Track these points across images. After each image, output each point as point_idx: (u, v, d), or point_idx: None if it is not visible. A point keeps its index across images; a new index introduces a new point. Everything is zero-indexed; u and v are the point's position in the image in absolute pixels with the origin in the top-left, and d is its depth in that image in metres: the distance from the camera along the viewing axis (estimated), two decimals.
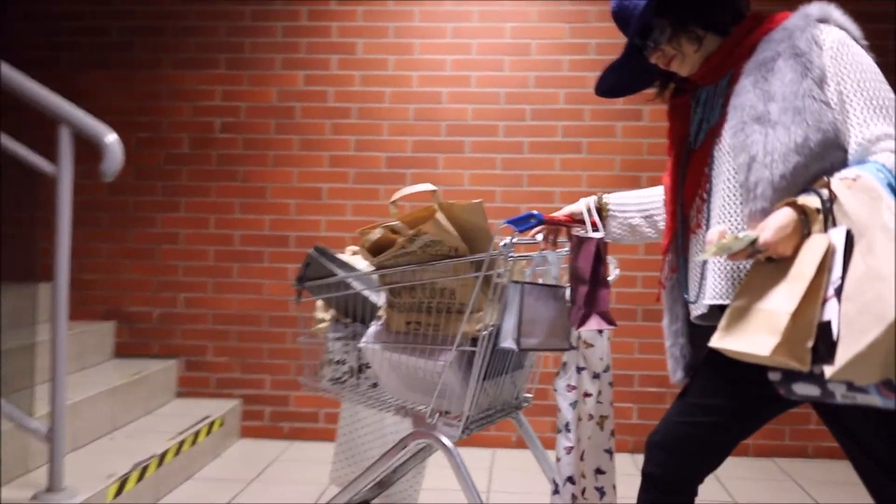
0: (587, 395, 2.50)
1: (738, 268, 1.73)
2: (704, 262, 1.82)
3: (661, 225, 2.16)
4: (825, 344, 1.48)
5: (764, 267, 1.65)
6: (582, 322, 2.20)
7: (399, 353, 2.34)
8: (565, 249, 2.43)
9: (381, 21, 4.14)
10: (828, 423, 1.72)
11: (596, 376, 2.52)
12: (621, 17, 1.84)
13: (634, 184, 4.08)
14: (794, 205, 1.59)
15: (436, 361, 2.28)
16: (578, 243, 2.25)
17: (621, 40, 4.04)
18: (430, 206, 2.19)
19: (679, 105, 1.96)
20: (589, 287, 2.19)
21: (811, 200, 1.57)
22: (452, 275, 2.23)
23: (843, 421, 1.66)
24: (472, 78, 4.13)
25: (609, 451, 2.57)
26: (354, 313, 2.54)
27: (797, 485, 3.63)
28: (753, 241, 1.57)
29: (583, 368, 2.50)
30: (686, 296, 1.88)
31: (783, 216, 1.58)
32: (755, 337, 1.55)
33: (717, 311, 1.83)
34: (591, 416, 2.51)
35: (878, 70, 1.67)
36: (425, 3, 4.13)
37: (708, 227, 1.81)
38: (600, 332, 2.40)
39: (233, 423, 4.06)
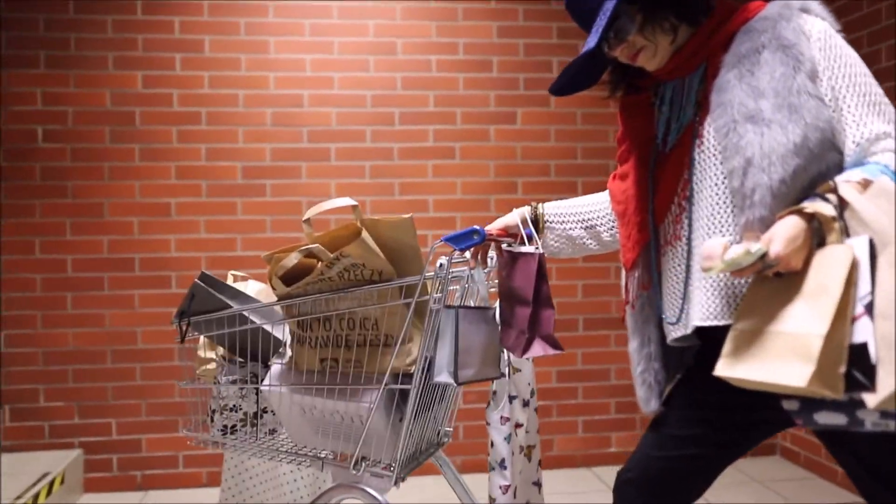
0: (518, 425, 2.27)
1: (733, 284, 1.55)
2: (686, 278, 1.63)
3: (606, 237, 1.96)
4: (861, 369, 1.32)
5: (768, 282, 1.47)
6: (525, 348, 1.97)
7: (312, 395, 2.01)
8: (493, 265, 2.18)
9: (230, 16, 3.73)
10: (831, 447, 1.57)
11: (525, 404, 2.30)
12: (579, 6, 1.61)
13: (510, 190, 3.91)
14: (801, 213, 1.43)
15: (359, 403, 1.96)
16: (513, 259, 2.02)
17: (489, 41, 3.88)
18: (352, 224, 1.87)
19: (637, 104, 1.76)
20: (531, 308, 1.96)
21: (823, 208, 1.41)
22: (377, 302, 1.93)
23: (853, 446, 1.52)
24: (335, 79, 3.80)
25: (538, 484, 2.36)
26: (251, 351, 2.17)
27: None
28: (763, 255, 1.39)
29: (514, 397, 2.27)
30: (663, 316, 1.68)
31: (792, 226, 1.41)
32: (782, 365, 1.37)
33: (701, 332, 1.65)
34: (521, 448, 2.28)
35: (864, 64, 1.54)
36: None
37: (690, 239, 1.62)
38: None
39: (75, 476, 3.50)
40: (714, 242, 1.48)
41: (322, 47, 3.79)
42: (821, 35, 1.53)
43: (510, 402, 2.25)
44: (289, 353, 2.14)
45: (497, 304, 2.21)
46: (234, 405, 2.18)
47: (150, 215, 3.67)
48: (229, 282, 2.42)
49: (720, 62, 1.60)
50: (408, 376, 2.01)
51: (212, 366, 2.23)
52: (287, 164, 3.76)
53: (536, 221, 2.01)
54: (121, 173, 3.66)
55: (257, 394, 2.16)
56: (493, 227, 2.00)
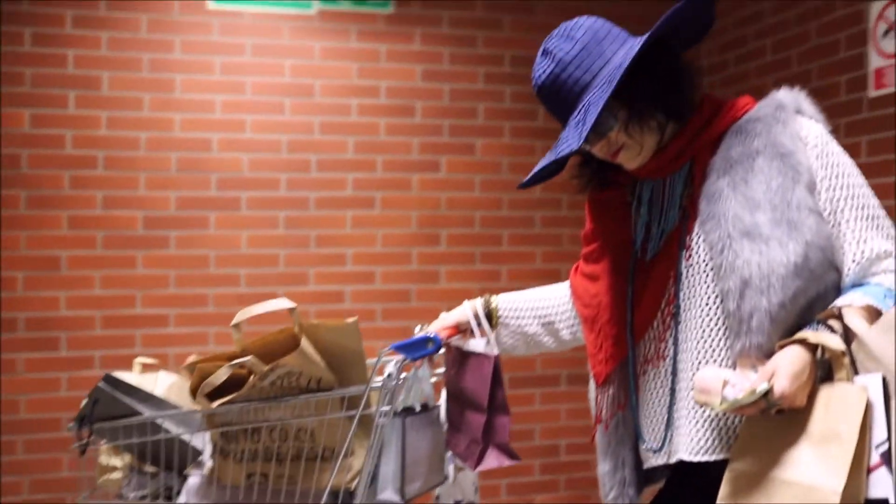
0: None
1: (727, 415, 1.41)
2: (671, 404, 1.47)
3: (565, 335, 1.79)
4: None
5: (767, 418, 1.33)
6: (479, 460, 1.78)
7: None
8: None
9: (131, 51, 3.41)
10: None
11: None
12: (555, 93, 1.44)
13: (433, 242, 3.72)
14: (805, 343, 1.29)
15: None
16: (463, 357, 1.83)
17: (412, 84, 3.69)
18: (288, 329, 1.65)
19: (609, 201, 1.60)
20: (486, 415, 1.77)
21: (830, 340, 1.28)
22: (315, 413, 1.70)
23: None
24: (248, 122, 3.53)
25: None
26: (163, 460, 1.89)
27: None
28: (766, 393, 1.25)
29: (459, 502, 2.07)
30: (642, 441, 1.52)
31: (797, 360, 1.28)
32: None
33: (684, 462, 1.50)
34: None
35: (859, 171, 1.42)
36: (187, 32, 3.47)
37: (675, 361, 1.46)
38: None
39: None
40: (710, 375, 1.32)
41: (233, 87, 3.51)
42: (818, 142, 1.40)
43: None
44: (208, 462, 1.88)
45: (442, 402, 2.02)
46: None
47: (37, 269, 3.31)
48: (135, 371, 2.14)
49: (707, 165, 1.45)
50: (349, 494, 1.79)
51: (115, 475, 1.94)
52: (193, 213, 3.47)
53: (489, 316, 1.83)
54: (4, 223, 3.28)
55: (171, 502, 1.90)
56: (442, 326, 1.80)
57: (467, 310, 1.82)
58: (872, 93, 2.94)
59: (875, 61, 2.92)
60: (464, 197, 3.76)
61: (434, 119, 3.74)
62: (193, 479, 1.83)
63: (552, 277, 3.84)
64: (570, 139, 1.38)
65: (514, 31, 3.83)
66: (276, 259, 3.55)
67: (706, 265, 1.41)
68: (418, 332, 1.98)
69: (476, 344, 1.84)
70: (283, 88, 3.57)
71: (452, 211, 3.75)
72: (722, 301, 1.39)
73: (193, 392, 1.61)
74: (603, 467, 1.60)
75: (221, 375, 1.56)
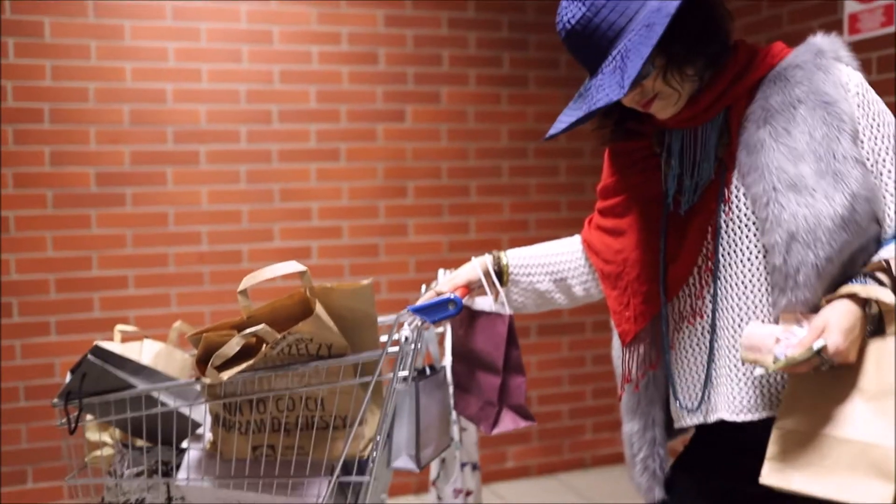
0: (468, 493, 2.03)
1: (773, 373, 1.37)
2: (709, 362, 1.43)
3: (578, 291, 1.73)
4: None
5: (815, 376, 1.30)
6: (495, 423, 1.73)
7: (243, 490, 1.68)
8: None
9: None
10: None
11: (475, 467, 2.06)
12: (585, 39, 1.35)
13: (400, 194, 3.62)
14: (855, 298, 1.26)
15: (303, 498, 1.65)
16: (472, 317, 1.77)
17: (374, 30, 3.54)
18: (298, 293, 1.55)
19: (635, 152, 1.53)
20: (501, 375, 1.72)
21: (882, 294, 1.25)
22: (326, 381, 1.62)
23: None
24: (203, 71, 3.35)
25: None
26: (159, 434, 1.79)
27: (581, 497, 3.50)
28: (820, 349, 1.22)
29: (465, 464, 2.02)
30: (676, 400, 1.48)
31: (849, 315, 1.24)
32: (854, 480, 1.20)
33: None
34: None
35: None
36: None
37: (714, 318, 1.41)
38: None
39: None
40: (760, 332, 1.28)
41: (187, 34, 3.32)
42: (859, 90, 1.35)
43: (461, 470, 2.00)
44: (208, 435, 1.78)
45: (448, 362, 1.95)
46: (138, 499, 1.80)
47: None
48: (116, 340, 2.01)
49: (744, 114, 1.40)
50: (362, 463, 1.72)
51: (106, 451, 1.83)
52: (149, 168, 3.29)
53: (500, 273, 1.76)
54: None
55: (168, 486, 1.80)
56: (453, 285, 1.73)
57: (477, 267, 1.74)
58: (847, 38, 2.93)
59: (850, 6, 2.91)
60: (430, 147, 3.66)
61: (398, 67, 3.60)
62: (193, 452, 1.73)
63: (521, 228, 3.79)
64: (608, 89, 1.30)
65: None
66: (238, 215, 3.40)
67: (747, 218, 1.36)
68: (425, 293, 1.91)
69: (483, 302, 1.78)
70: (240, 35, 3.39)
71: (419, 162, 3.64)
72: (766, 256, 1.34)
73: (200, 364, 1.50)
74: (631, 427, 1.56)
75: (234, 346, 1.45)
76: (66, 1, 3.17)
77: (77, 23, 3.18)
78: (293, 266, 1.51)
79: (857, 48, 2.91)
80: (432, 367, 1.94)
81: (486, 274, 1.75)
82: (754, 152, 1.35)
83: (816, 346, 1.20)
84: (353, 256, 3.55)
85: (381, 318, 1.74)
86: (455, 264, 3.69)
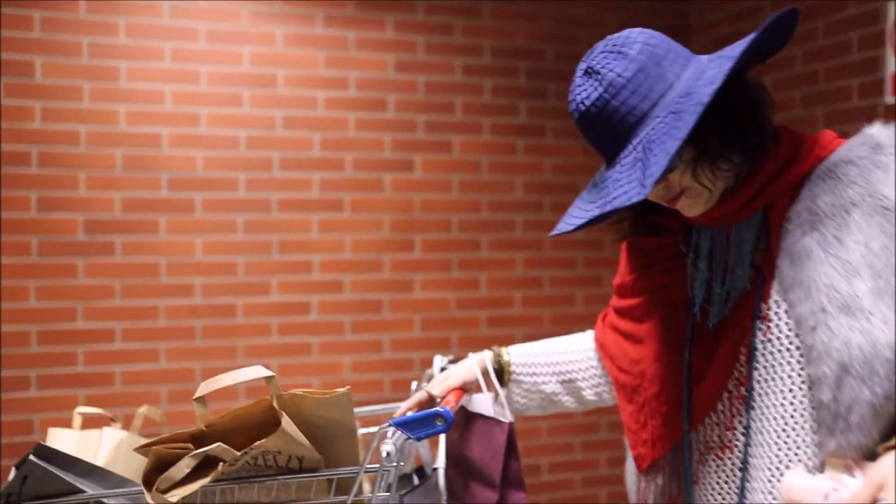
0: None
1: None
2: (741, 496, 1.21)
3: (589, 395, 1.53)
4: None
5: None
6: None
7: None
8: None
9: (68, 33, 3.03)
10: None
11: None
12: (602, 122, 1.15)
13: (406, 248, 3.42)
14: None
15: None
16: (468, 420, 1.56)
17: (384, 75, 3.37)
18: (264, 401, 1.34)
19: (660, 250, 1.33)
20: (499, 491, 1.51)
21: None
22: (296, 497, 1.41)
23: None
24: (202, 116, 3.18)
25: None
26: None
27: None
28: None
29: None
30: None
31: None
32: None
33: None
34: None
35: None
36: (133, 14, 3.10)
37: (747, 454, 1.20)
38: None
39: None
40: (804, 484, 1.07)
41: (186, 77, 3.15)
42: None
43: None
44: None
45: (440, 464, 1.74)
46: None
47: None
48: (75, 425, 1.82)
49: (786, 215, 1.19)
50: None
51: None
52: (141, 216, 3.11)
53: (500, 372, 1.56)
54: None
55: None
56: (447, 388, 1.52)
57: (475, 366, 1.54)
58: (889, 100, 2.72)
59: (892, 64, 2.70)
60: (440, 199, 3.46)
61: (408, 114, 3.42)
62: None
63: (534, 286, 3.58)
64: (627, 185, 1.10)
65: (494, 19, 3.53)
66: (234, 267, 3.22)
67: (790, 342, 1.15)
68: (415, 390, 1.70)
69: (481, 401, 1.57)
70: (241, 78, 3.22)
71: (427, 214, 3.45)
72: (811, 388, 1.13)
73: (147, 483, 1.30)
74: None
75: (183, 469, 1.25)
76: (60, 40, 3.02)
77: (70, 63, 3.03)
78: (259, 371, 1.31)
79: None
80: (421, 472, 1.73)
81: (485, 373, 1.55)
82: (799, 263, 1.14)
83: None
84: (355, 313, 3.35)
85: (362, 430, 1.54)
86: (463, 323, 3.48)
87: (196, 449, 1.30)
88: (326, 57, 3.31)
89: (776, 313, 1.17)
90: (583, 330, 3.60)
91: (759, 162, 1.18)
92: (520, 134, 3.57)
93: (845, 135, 1.23)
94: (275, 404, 1.32)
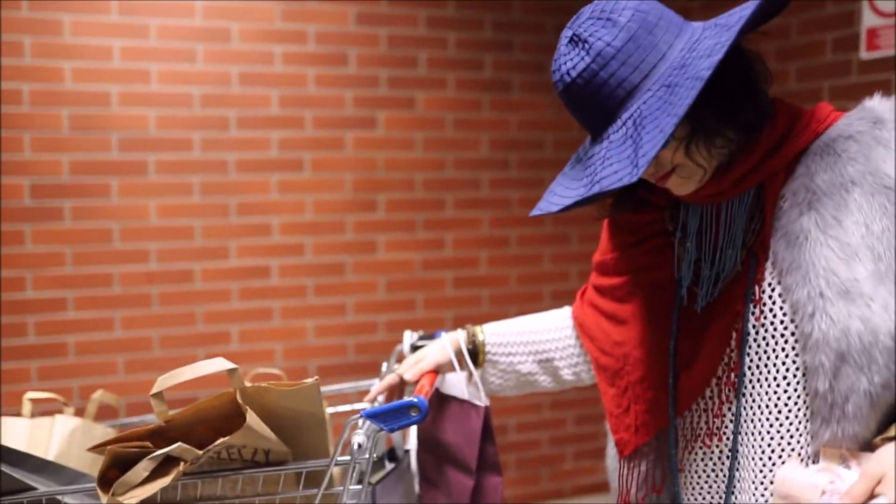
0: None
1: None
2: (728, 493, 1.17)
3: (567, 374, 1.47)
4: None
5: None
6: None
7: None
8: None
9: None
10: None
11: None
12: (589, 95, 1.07)
13: (369, 208, 3.32)
14: None
15: None
16: (442, 403, 1.50)
17: (345, 29, 3.23)
18: (227, 394, 1.26)
19: (643, 227, 1.26)
20: (475, 476, 1.45)
21: None
22: (263, 490, 1.34)
23: None
24: (153, 72, 3.02)
25: None
26: None
27: None
28: None
29: None
30: None
31: None
32: None
33: None
34: None
35: None
36: None
37: (735, 443, 1.15)
38: None
39: None
40: (799, 479, 1.02)
41: (135, 31, 2.99)
42: None
43: None
44: None
45: (412, 446, 1.68)
46: None
47: None
48: (25, 411, 1.72)
49: (781, 192, 1.12)
50: None
51: None
52: (92, 179, 2.97)
53: (475, 352, 1.49)
54: None
55: None
56: (419, 371, 1.45)
57: (448, 347, 1.47)
58: (864, 55, 2.66)
59: (868, 19, 2.63)
60: (403, 157, 3.36)
61: (369, 69, 3.29)
62: None
63: (501, 245, 3.51)
64: (617, 165, 1.02)
65: None
66: (190, 231, 3.10)
67: (784, 328, 1.09)
68: (385, 372, 1.63)
69: (454, 382, 1.51)
70: (193, 32, 3.06)
71: (391, 173, 3.34)
72: (806, 377, 1.08)
73: (102, 484, 1.22)
74: None
75: (141, 472, 1.17)
76: None
77: (10, 17, 2.85)
78: (221, 364, 1.23)
79: (874, 67, 2.64)
80: (393, 454, 1.67)
81: (459, 353, 1.48)
82: (795, 245, 1.08)
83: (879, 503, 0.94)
84: (318, 276, 3.26)
85: (330, 409, 1.47)
86: (429, 285, 3.41)
87: (155, 447, 1.22)
88: (284, 9, 3.16)
89: (770, 297, 1.11)
90: (551, 290, 3.56)
91: (755, 137, 1.11)
92: (485, 89, 3.46)
93: (817, 90, 1.15)
94: (238, 398, 1.24)
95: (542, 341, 1.48)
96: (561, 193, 1.12)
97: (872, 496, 0.98)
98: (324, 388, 1.81)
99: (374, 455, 1.45)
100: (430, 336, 1.75)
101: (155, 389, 1.22)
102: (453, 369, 1.47)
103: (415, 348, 1.73)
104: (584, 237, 3.65)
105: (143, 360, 3.07)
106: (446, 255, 3.43)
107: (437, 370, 1.46)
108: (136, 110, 3.00)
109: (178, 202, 3.07)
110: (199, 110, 3.08)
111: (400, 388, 1.47)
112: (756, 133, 1.11)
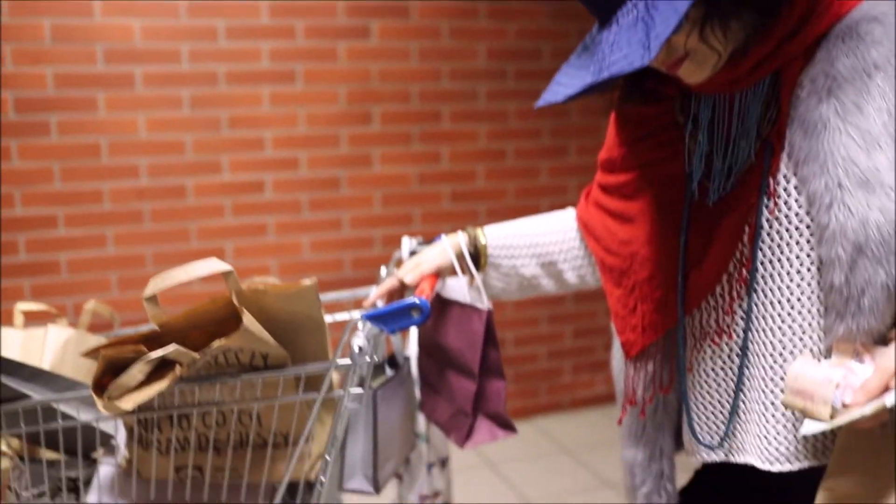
0: (437, 494, 1.77)
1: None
2: (737, 392, 1.14)
3: (570, 277, 1.44)
4: None
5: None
6: (468, 435, 1.45)
7: None
8: None
9: None
10: None
11: (444, 464, 1.80)
12: None
13: (364, 121, 3.25)
14: None
15: None
16: (443, 307, 1.48)
17: None
18: (223, 297, 1.22)
19: (653, 119, 1.20)
20: (477, 381, 1.43)
21: None
22: (262, 395, 1.32)
23: None
24: None
25: None
26: (62, 446, 1.49)
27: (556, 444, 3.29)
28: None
29: (432, 465, 1.75)
30: (693, 431, 1.20)
31: None
32: None
33: None
34: None
35: None
36: None
37: (746, 340, 1.12)
38: None
39: None
40: (812, 374, 1.00)
41: None
42: None
43: (428, 473, 1.73)
44: (123, 450, 1.49)
45: (413, 353, 1.66)
46: None
47: None
48: (17, 323, 1.69)
49: (799, 80, 1.07)
50: (308, 486, 1.44)
51: (2, 463, 1.53)
52: (77, 93, 2.88)
53: (476, 255, 1.45)
54: None
55: (79, 500, 1.51)
56: (419, 274, 1.41)
57: (448, 250, 1.43)
58: None
59: None
60: (398, 68, 3.27)
61: None
62: (105, 468, 1.44)
63: (498, 158, 3.45)
64: (627, 49, 0.96)
65: None
66: (181, 145, 3.03)
67: (800, 221, 1.05)
68: (384, 276, 1.60)
69: (455, 286, 1.48)
70: None
71: (385, 84, 3.26)
72: (820, 271, 1.04)
73: (97, 388, 1.19)
74: (633, 455, 1.28)
75: (136, 375, 1.14)
76: None
77: None
78: (215, 265, 1.19)
79: None
80: (393, 361, 1.65)
81: (460, 257, 1.44)
82: (813, 134, 1.03)
83: (892, 401, 0.92)
84: (312, 190, 3.21)
85: (328, 318, 1.44)
86: (425, 199, 3.35)
87: (149, 351, 1.19)
88: None
89: (785, 189, 1.06)
90: (548, 204, 3.51)
91: (773, 20, 1.05)
92: None
93: None
94: (234, 301, 1.20)
95: (545, 243, 1.44)
96: (566, 83, 1.06)
97: (887, 388, 0.95)
98: (321, 297, 1.78)
99: (376, 359, 1.42)
100: (429, 243, 1.71)
101: (148, 292, 1.18)
102: (454, 273, 1.44)
103: (414, 255, 1.70)
104: (582, 150, 3.58)
105: (137, 278, 3.04)
106: (443, 169, 3.37)
107: (438, 273, 1.42)
108: (121, 20, 2.90)
109: (168, 116, 2.99)
110: (186, 20, 2.97)
111: (400, 292, 1.44)
112: (773, 15, 1.05)
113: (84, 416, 1.41)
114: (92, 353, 1.20)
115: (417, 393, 1.66)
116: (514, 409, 3.66)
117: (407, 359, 1.60)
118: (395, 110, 3.28)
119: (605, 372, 3.80)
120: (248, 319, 1.18)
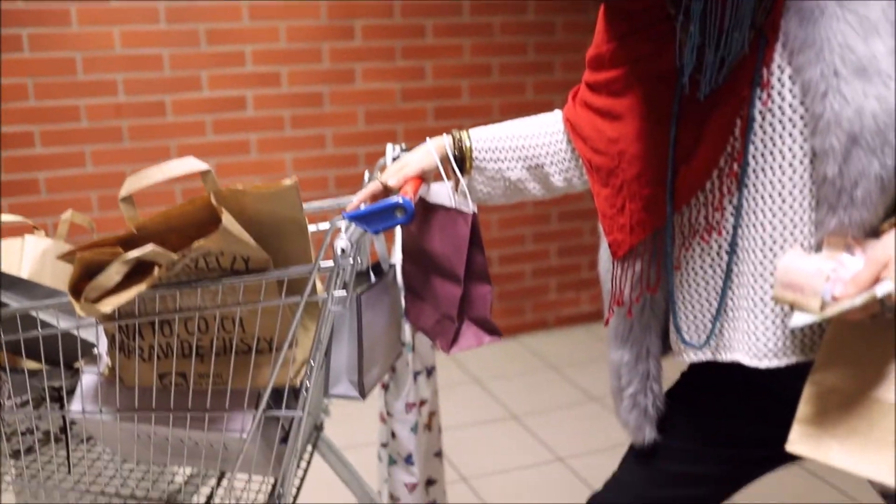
0: (423, 402, 1.78)
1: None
2: (725, 289, 1.13)
3: (557, 180, 1.41)
4: None
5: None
6: (454, 340, 1.45)
7: (150, 423, 1.39)
8: None
9: None
10: None
11: (430, 373, 1.80)
12: None
13: (346, 35, 3.16)
14: None
15: (224, 433, 1.38)
16: (427, 212, 1.46)
17: None
18: (203, 198, 1.19)
19: (643, 13, 1.16)
20: (463, 285, 1.42)
21: None
22: (244, 300, 1.30)
23: None
24: None
25: (439, 455, 1.91)
26: (43, 355, 1.47)
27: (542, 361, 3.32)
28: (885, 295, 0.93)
29: (419, 373, 1.75)
30: (678, 330, 1.19)
31: None
32: None
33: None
34: (424, 426, 1.81)
35: None
36: None
37: (735, 236, 1.10)
38: None
39: None
40: (803, 266, 0.98)
41: None
42: None
43: (414, 381, 1.73)
44: (105, 358, 1.48)
45: (397, 259, 1.64)
46: (28, 428, 1.50)
47: None
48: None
49: None
50: (293, 392, 1.44)
51: None
52: (49, 5, 2.78)
53: (461, 158, 1.42)
54: None
55: (62, 412, 1.50)
56: (403, 176, 1.38)
57: (433, 152, 1.39)
58: None
59: None
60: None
61: None
62: (88, 377, 1.43)
63: (483, 73, 3.38)
64: None
65: None
66: (159, 60, 2.94)
67: (793, 111, 1.02)
68: (367, 181, 1.57)
69: (440, 191, 1.45)
70: None
71: (405, 19, 3.16)
72: (814, 162, 1.02)
73: (75, 292, 1.17)
74: (619, 356, 1.28)
75: (113, 276, 1.11)
76: None
77: None
78: (192, 164, 1.15)
79: None
80: (377, 268, 1.63)
81: (445, 160, 1.41)
82: (810, 21, 0.99)
83: (882, 291, 0.90)
84: (294, 107, 3.14)
85: (311, 227, 1.41)
86: (409, 115, 3.30)
87: (127, 253, 1.16)
88: None
89: (779, 79, 1.03)
90: None
91: None
92: None
93: None
94: (213, 201, 1.17)
95: (531, 146, 1.40)
96: None
97: (877, 279, 0.94)
98: (304, 207, 1.76)
99: (360, 261, 1.41)
100: (412, 149, 1.68)
101: (123, 192, 1.15)
102: (438, 176, 1.41)
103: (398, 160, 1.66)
104: (567, 66, 3.52)
105: (118, 197, 2.98)
106: (427, 85, 3.31)
107: (422, 177, 1.39)
108: None
109: (144, 29, 2.90)
110: None
111: (384, 195, 1.41)
112: None
113: (64, 323, 1.39)
114: (68, 256, 1.18)
115: (402, 300, 1.64)
116: (500, 326, 3.67)
117: (392, 266, 1.59)
118: (378, 24, 3.20)
119: (590, 290, 3.81)
120: (228, 219, 1.15)
